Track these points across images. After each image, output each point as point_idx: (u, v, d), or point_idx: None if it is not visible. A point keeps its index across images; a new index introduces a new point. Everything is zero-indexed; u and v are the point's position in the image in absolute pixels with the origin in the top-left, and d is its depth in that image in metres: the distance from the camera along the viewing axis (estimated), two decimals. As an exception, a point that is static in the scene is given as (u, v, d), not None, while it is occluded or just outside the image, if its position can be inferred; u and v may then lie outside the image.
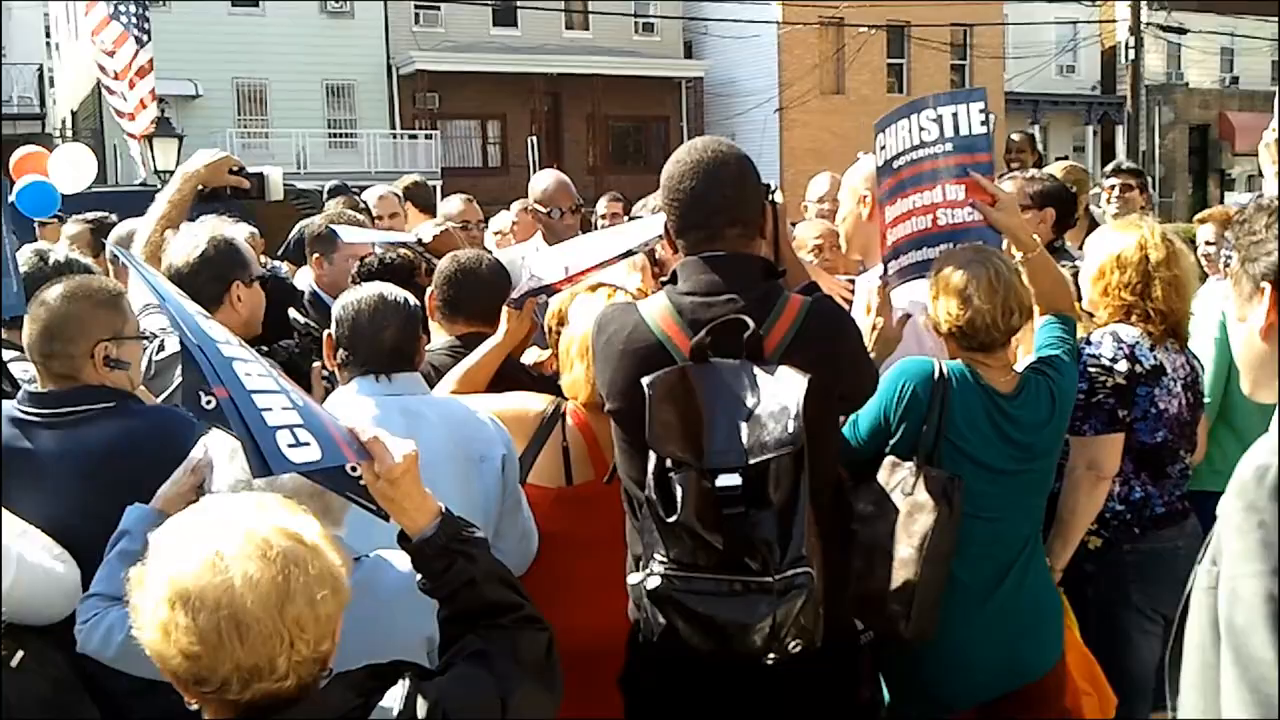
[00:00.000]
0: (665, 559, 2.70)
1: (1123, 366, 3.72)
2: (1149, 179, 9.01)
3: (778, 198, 3.26)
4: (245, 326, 3.83)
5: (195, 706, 1.86)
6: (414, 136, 34.22)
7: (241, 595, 1.76)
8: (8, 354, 3.76)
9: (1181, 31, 37.25)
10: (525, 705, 2.12)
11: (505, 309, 3.74)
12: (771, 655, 2.68)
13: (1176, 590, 3.77)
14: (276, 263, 5.99)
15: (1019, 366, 3.43)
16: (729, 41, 35.77)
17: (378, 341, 3.27)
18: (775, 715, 2.91)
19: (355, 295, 3.36)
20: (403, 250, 4.92)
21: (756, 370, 2.73)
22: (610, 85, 35.37)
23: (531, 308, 3.78)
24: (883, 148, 3.64)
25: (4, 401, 3.25)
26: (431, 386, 3.62)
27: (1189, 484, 4.01)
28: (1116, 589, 3.83)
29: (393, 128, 34.58)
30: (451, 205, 6.79)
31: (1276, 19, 33.17)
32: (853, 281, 4.26)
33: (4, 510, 2.94)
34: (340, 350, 3.32)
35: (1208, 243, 5.59)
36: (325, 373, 3.63)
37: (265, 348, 3.95)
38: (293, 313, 4.32)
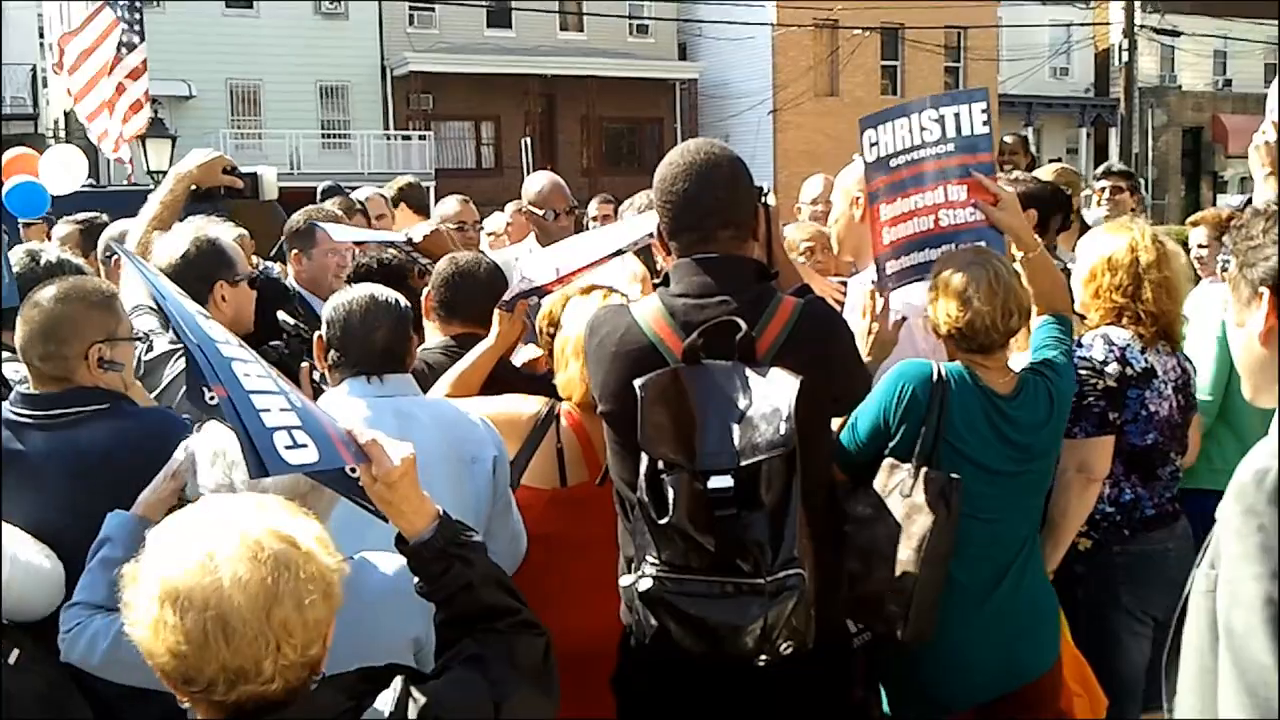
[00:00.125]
0: (657, 561, 2.70)
1: (1113, 369, 3.72)
2: (1140, 181, 9.03)
3: (770, 200, 3.27)
4: (233, 326, 3.81)
5: (186, 705, 1.86)
6: (408, 138, 34.20)
7: (229, 597, 1.76)
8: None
9: (1175, 34, 37.30)
10: (521, 710, 2.12)
11: (497, 311, 3.75)
12: (763, 657, 2.69)
13: (1166, 592, 3.82)
14: (269, 263, 5.97)
15: (1015, 366, 3.43)
16: (723, 43, 35.79)
17: (369, 343, 3.27)
18: (767, 717, 2.91)
19: (346, 296, 3.36)
20: (393, 251, 4.92)
21: (748, 372, 2.74)
22: (605, 87, 35.38)
23: (523, 310, 3.78)
24: (874, 144, 3.63)
25: None
26: (426, 385, 3.63)
27: (1188, 483, 4.03)
28: (1106, 590, 3.84)
29: (386, 129, 34.56)
30: (448, 206, 6.78)
31: (1275, 21, 33.23)
32: (845, 283, 4.26)
33: None
34: (331, 351, 3.32)
35: (1200, 245, 5.60)
36: (316, 375, 3.62)
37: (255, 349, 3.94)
38: (281, 314, 4.31)
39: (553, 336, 3.65)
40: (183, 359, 3.79)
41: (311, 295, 5.27)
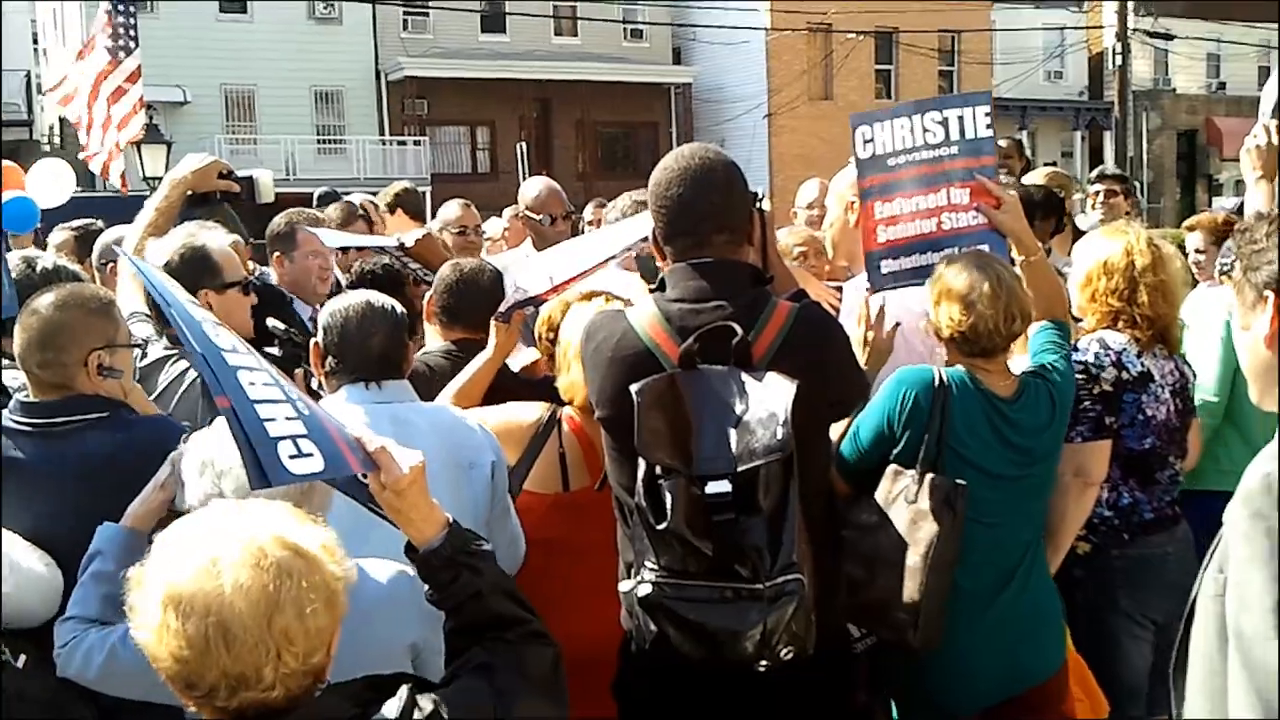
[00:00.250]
0: (656, 566, 2.70)
1: (1109, 373, 3.73)
2: (1134, 184, 9.04)
3: (765, 205, 3.27)
4: None
5: (192, 709, 1.86)
6: (403, 143, 34.20)
7: (230, 603, 1.76)
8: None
9: (1168, 37, 37.37)
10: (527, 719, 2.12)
11: (493, 323, 3.75)
12: (763, 662, 2.69)
13: (1165, 596, 3.82)
14: (266, 269, 5.97)
15: (1014, 370, 3.44)
16: (718, 48, 35.81)
17: (366, 349, 3.27)
18: (767, 723, 2.91)
19: (343, 303, 3.36)
20: (385, 260, 4.94)
21: (745, 377, 2.74)
22: (599, 91, 35.38)
23: (520, 321, 3.79)
24: (868, 141, 3.64)
25: None
26: (429, 387, 3.63)
27: (1195, 484, 4.03)
28: (1105, 594, 3.84)
29: (381, 134, 34.56)
30: (449, 211, 6.76)
31: (1269, 24, 33.28)
32: (840, 287, 4.27)
33: None
34: (329, 358, 3.32)
35: (1198, 250, 5.61)
36: (314, 382, 3.63)
37: None
38: (271, 320, 4.31)
39: (552, 342, 3.66)
40: (179, 364, 3.80)
41: (294, 298, 5.27)
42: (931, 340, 3.49)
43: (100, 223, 6.42)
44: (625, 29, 37.19)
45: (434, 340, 4.16)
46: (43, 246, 6.33)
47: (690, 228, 2.93)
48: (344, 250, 5.51)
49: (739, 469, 2.64)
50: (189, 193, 4.62)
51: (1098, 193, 7.46)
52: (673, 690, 2.91)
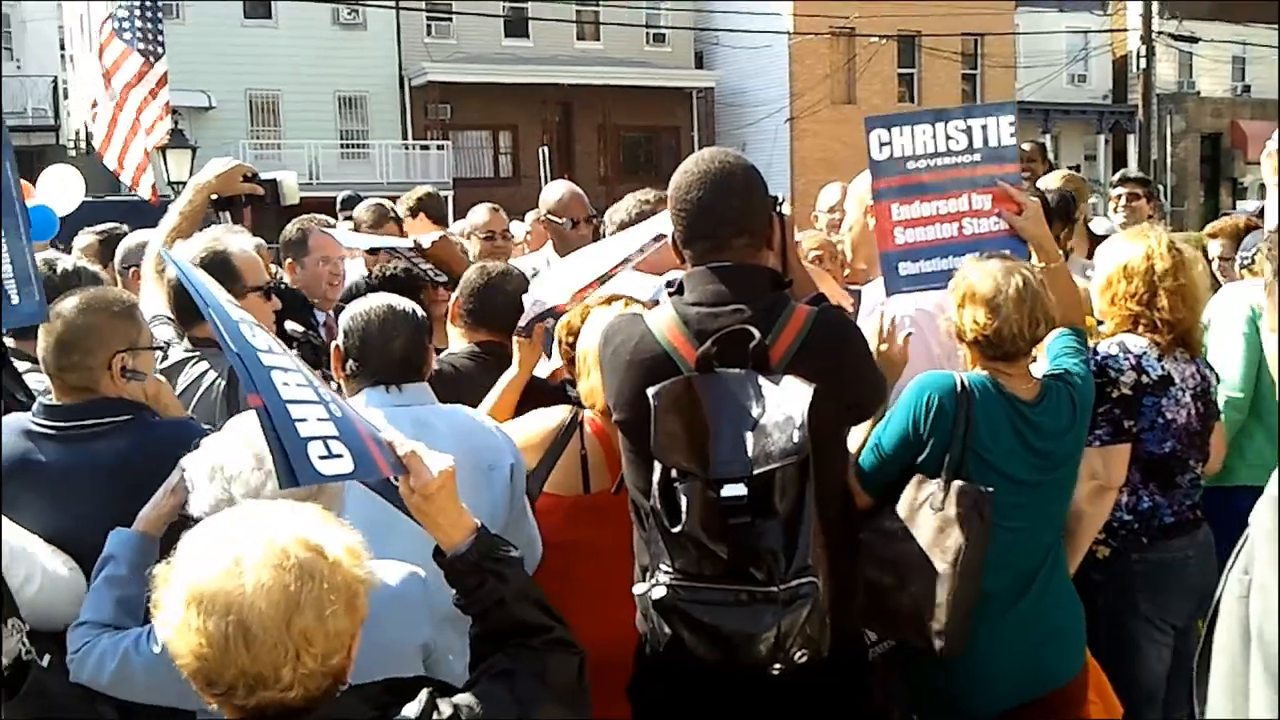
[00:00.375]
0: (671, 569, 2.71)
1: (1129, 377, 3.72)
2: (1157, 188, 9.01)
3: (785, 209, 3.28)
4: None
5: (213, 707, 1.88)
6: (426, 147, 34.30)
7: (251, 603, 1.78)
8: (21, 365, 3.78)
9: (1193, 40, 37.15)
10: None
11: (515, 340, 3.77)
12: (777, 665, 2.69)
13: (1185, 600, 3.81)
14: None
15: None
16: (740, 52, 35.80)
17: (388, 352, 3.30)
18: (782, 725, 2.91)
19: (364, 306, 3.38)
20: (402, 264, 4.97)
21: (762, 380, 2.74)
22: (621, 96, 35.42)
23: (540, 334, 3.81)
24: (884, 144, 3.65)
25: (19, 414, 3.26)
26: (455, 388, 3.65)
27: (1225, 480, 4.03)
28: (1125, 598, 3.83)
29: (405, 139, 34.67)
30: (478, 215, 6.78)
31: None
32: (859, 290, 4.27)
33: (15, 524, 2.97)
34: (349, 361, 3.34)
35: (1221, 257, 5.59)
36: (332, 385, 3.65)
37: None
38: (290, 324, 4.34)
39: (572, 346, 3.68)
40: (198, 366, 3.83)
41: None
42: (949, 342, 3.49)
43: (124, 227, 6.47)
44: (648, 33, 37.22)
45: (457, 342, 4.19)
46: (67, 251, 6.37)
47: (709, 231, 2.94)
48: (373, 251, 5.54)
49: (755, 472, 2.64)
50: (213, 196, 4.66)
51: (1120, 196, 7.45)
52: (687, 693, 2.92)
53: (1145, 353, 3.76)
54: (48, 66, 30.46)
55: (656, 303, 3.44)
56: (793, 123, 35.57)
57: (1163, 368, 3.76)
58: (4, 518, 2.93)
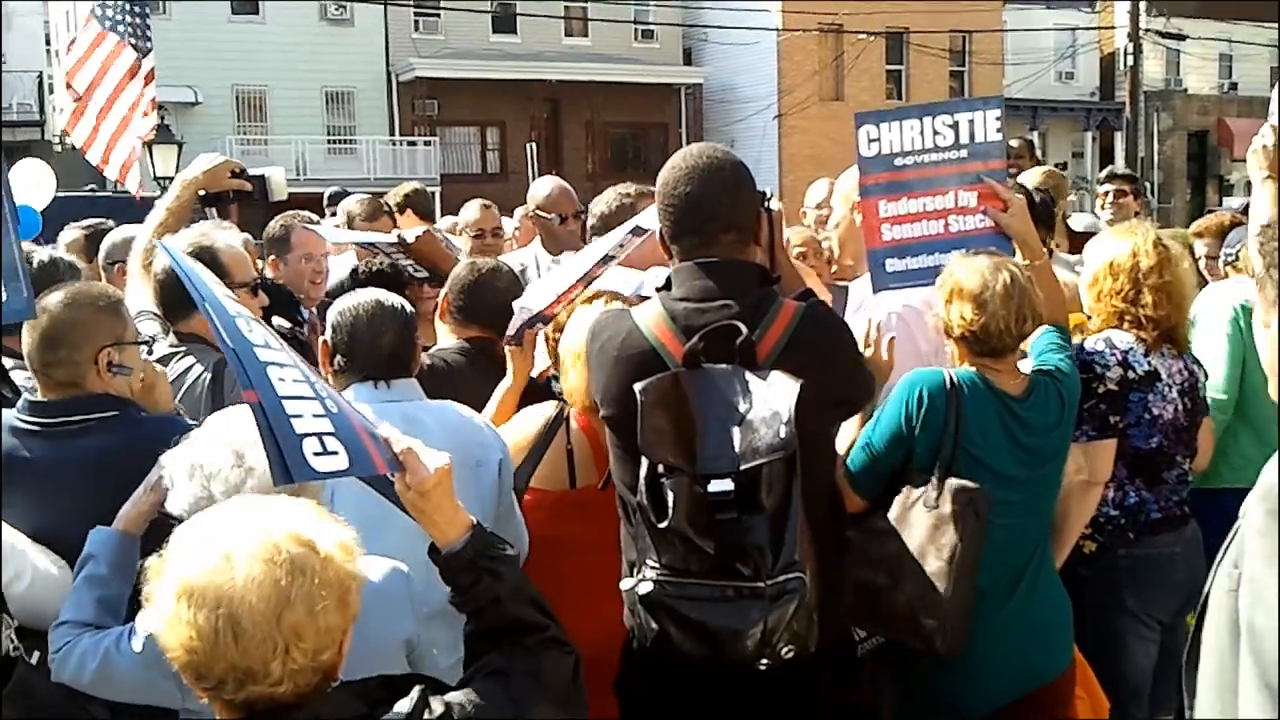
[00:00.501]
0: (657, 564, 2.71)
1: (1115, 373, 3.73)
2: (1144, 185, 9.03)
3: (773, 204, 3.28)
4: None
5: (204, 701, 1.88)
6: (413, 143, 34.27)
7: (241, 597, 1.77)
8: (7, 361, 3.76)
9: (1180, 38, 37.28)
10: None
11: (508, 349, 3.78)
12: (764, 661, 2.69)
13: (1172, 596, 3.82)
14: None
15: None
16: (728, 48, 35.81)
17: (376, 347, 3.29)
18: (769, 721, 2.92)
19: (352, 301, 3.37)
20: (384, 259, 4.96)
21: (749, 376, 2.74)
22: (609, 92, 35.41)
23: (531, 340, 3.81)
24: (873, 140, 3.66)
25: (3, 411, 3.25)
26: (449, 383, 3.66)
27: (1209, 483, 4.03)
28: (1111, 594, 3.83)
29: (392, 134, 34.63)
30: (468, 213, 6.77)
31: (1275, 25, 33.19)
32: (846, 287, 4.28)
33: (3, 521, 2.96)
34: (338, 356, 3.33)
35: (1209, 257, 5.60)
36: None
37: None
38: (277, 320, 4.34)
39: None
40: (183, 360, 3.82)
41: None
42: (936, 339, 3.50)
43: (110, 222, 6.44)
44: (636, 29, 37.20)
45: (446, 339, 4.18)
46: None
47: (697, 227, 2.94)
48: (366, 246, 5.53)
49: (742, 467, 2.64)
50: (200, 192, 4.64)
51: (1107, 193, 7.46)
52: (674, 689, 2.92)
53: (1131, 349, 3.76)
54: (32, 62, 30.33)
55: (642, 298, 3.44)
56: (781, 119, 35.60)
57: (1149, 363, 3.77)
58: None
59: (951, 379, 3.25)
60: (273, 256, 5.41)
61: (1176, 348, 3.87)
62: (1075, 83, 41.05)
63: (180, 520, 2.53)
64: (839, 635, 3.06)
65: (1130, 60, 30.11)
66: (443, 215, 10.18)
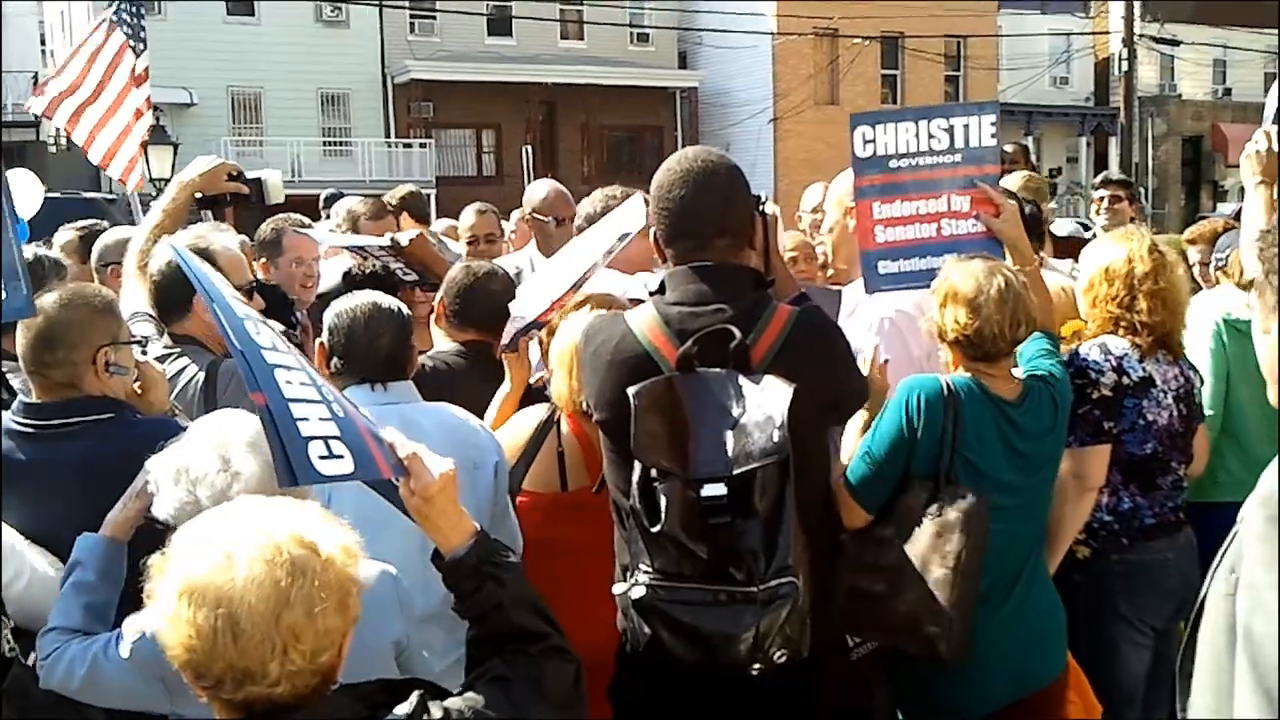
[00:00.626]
0: (650, 569, 2.71)
1: (1109, 378, 3.73)
2: (1139, 190, 9.04)
3: (768, 208, 3.28)
4: (220, 335, 3.83)
5: (204, 700, 1.88)
6: (409, 145, 34.24)
7: (240, 597, 1.77)
8: (5, 365, 3.76)
9: (1175, 43, 37.30)
10: None
11: (504, 357, 3.78)
12: (757, 665, 2.69)
13: (1165, 601, 3.82)
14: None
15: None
16: (724, 52, 35.83)
17: (373, 350, 3.30)
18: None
19: (349, 304, 3.37)
20: (379, 264, 4.97)
21: (742, 380, 2.74)
22: (605, 95, 35.41)
23: (526, 347, 3.82)
24: (868, 141, 3.66)
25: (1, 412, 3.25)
26: (450, 385, 3.67)
27: (1193, 496, 4.02)
28: (1104, 599, 3.83)
29: (387, 136, 34.61)
30: (464, 218, 6.83)
31: (1275, 30, 33.25)
32: (839, 292, 4.28)
33: (3, 522, 2.96)
34: (334, 359, 3.33)
35: (1201, 263, 5.61)
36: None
37: None
38: (272, 323, 4.34)
39: None
40: (178, 361, 3.82)
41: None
42: (929, 343, 3.50)
43: (104, 223, 6.44)
44: (631, 33, 37.21)
45: (443, 342, 4.19)
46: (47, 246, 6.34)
47: (691, 230, 2.94)
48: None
49: (735, 472, 2.64)
50: (197, 195, 4.64)
51: (1102, 198, 7.48)
52: (668, 693, 2.91)
53: (1126, 354, 3.77)
54: (28, 62, 30.30)
55: (635, 301, 3.44)
56: (776, 123, 35.61)
57: (1144, 369, 3.78)
58: None
59: (948, 385, 3.24)
60: (263, 260, 5.41)
61: (1172, 354, 3.88)
62: (1070, 88, 41.10)
63: (167, 525, 2.55)
64: (832, 639, 3.06)
65: (1125, 65, 30.10)
66: (438, 217, 10.18)
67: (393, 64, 34.22)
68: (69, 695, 2.65)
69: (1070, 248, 6.29)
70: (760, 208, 3.16)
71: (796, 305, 3.00)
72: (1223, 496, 4.05)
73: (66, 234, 6.39)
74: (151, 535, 2.63)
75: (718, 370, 2.77)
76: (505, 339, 3.77)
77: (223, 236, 4.17)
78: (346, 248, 5.38)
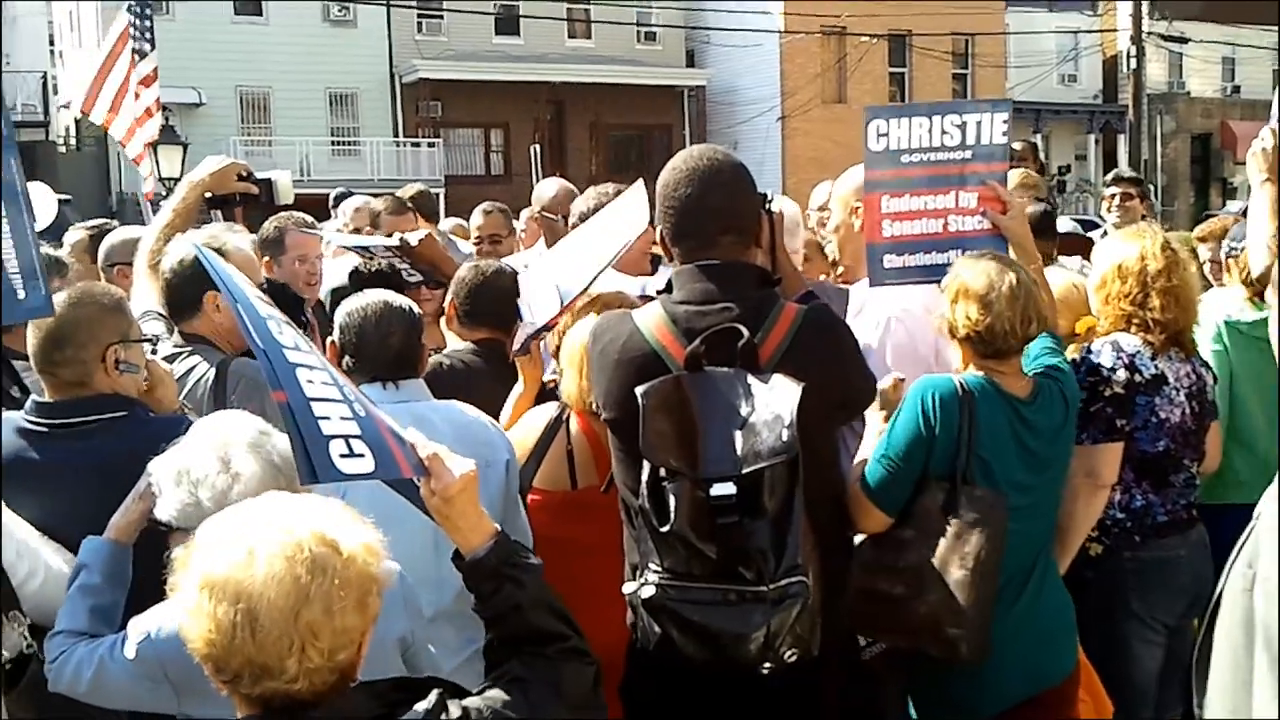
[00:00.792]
0: (660, 568, 2.70)
1: (1121, 376, 3.72)
2: (1150, 187, 9.03)
3: (774, 206, 3.28)
4: (232, 334, 3.85)
5: (224, 693, 1.89)
6: (417, 145, 34.25)
7: (260, 593, 1.79)
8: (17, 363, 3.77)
9: (1183, 40, 37.23)
10: None
11: (517, 360, 3.80)
12: (767, 665, 2.69)
13: (1178, 599, 3.81)
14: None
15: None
16: (731, 50, 35.81)
17: (384, 348, 3.30)
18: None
19: (360, 302, 3.38)
20: (382, 260, 4.99)
21: (751, 379, 2.74)
22: (612, 94, 35.40)
23: (538, 349, 3.83)
24: (882, 135, 3.65)
25: (11, 413, 3.25)
26: (466, 384, 3.70)
27: (1202, 497, 4.01)
28: (1116, 596, 3.82)
29: (396, 136, 34.62)
30: (473, 219, 6.87)
31: (1277, 28, 33.18)
32: (846, 291, 4.27)
33: (19, 519, 2.97)
34: (345, 357, 3.34)
35: (1212, 261, 5.60)
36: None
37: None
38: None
39: None
40: (188, 360, 3.83)
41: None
42: (934, 341, 3.50)
43: (115, 223, 6.45)
44: (639, 31, 37.19)
45: (456, 342, 4.22)
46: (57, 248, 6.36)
47: (697, 229, 2.94)
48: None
49: (744, 471, 2.64)
50: (207, 195, 4.66)
51: (1114, 195, 7.47)
52: (678, 692, 2.91)
53: (1139, 352, 3.76)
54: (38, 62, 30.37)
55: (646, 298, 3.44)
56: (784, 121, 35.58)
57: (1156, 367, 3.77)
58: (8, 513, 2.93)
59: (962, 385, 3.22)
60: (267, 258, 5.42)
61: (1184, 351, 3.87)
62: (1078, 85, 41.03)
63: (170, 527, 2.56)
64: (842, 638, 3.05)
65: (1133, 63, 30.07)
66: (446, 216, 10.19)
67: (401, 63, 34.23)
68: (78, 699, 2.66)
69: (1068, 245, 6.30)
70: (766, 205, 3.15)
71: (803, 303, 2.99)
72: (1229, 498, 4.05)
73: (77, 233, 6.41)
74: (157, 537, 2.65)
75: (726, 369, 2.77)
76: (516, 344, 3.79)
77: (236, 237, 4.19)
78: (353, 248, 5.39)
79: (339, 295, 4.89)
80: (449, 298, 4.24)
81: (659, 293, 3.01)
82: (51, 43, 34.36)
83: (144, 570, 2.77)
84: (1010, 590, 3.29)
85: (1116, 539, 3.84)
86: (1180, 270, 3.82)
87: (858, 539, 3.25)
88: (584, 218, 4.47)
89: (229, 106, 32.59)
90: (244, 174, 4.75)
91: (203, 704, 2.44)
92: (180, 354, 3.85)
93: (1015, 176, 6.18)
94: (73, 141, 31.97)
